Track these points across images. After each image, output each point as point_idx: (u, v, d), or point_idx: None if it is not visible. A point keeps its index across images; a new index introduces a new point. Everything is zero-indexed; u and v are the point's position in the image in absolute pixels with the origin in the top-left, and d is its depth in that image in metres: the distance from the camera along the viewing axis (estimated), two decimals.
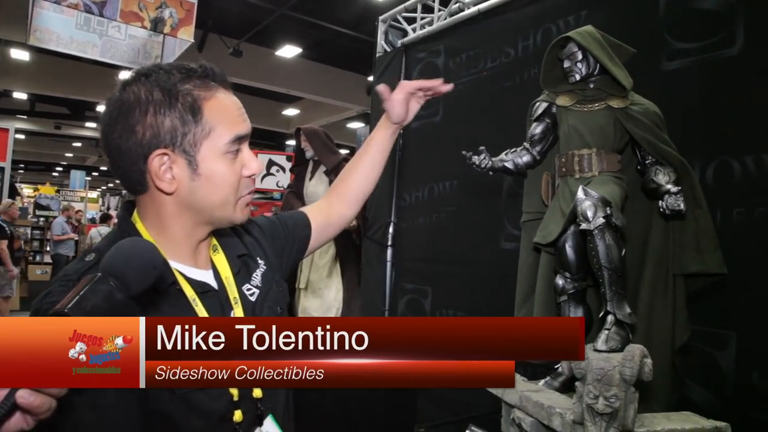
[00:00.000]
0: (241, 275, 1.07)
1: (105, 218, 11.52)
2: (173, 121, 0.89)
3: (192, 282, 0.97)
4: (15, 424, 0.62)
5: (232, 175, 0.94)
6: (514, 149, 2.00)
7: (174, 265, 0.95)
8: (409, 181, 3.77)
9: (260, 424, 0.98)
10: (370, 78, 12.35)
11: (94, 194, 23.60)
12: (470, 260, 3.22)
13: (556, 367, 1.86)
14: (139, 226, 0.97)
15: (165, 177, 0.91)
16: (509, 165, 1.98)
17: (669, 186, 1.65)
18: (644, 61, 2.15)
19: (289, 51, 11.24)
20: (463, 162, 2.02)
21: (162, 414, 0.87)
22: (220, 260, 1.06)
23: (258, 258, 1.13)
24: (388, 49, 4.04)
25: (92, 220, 14.11)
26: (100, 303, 0.67)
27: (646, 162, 1.75)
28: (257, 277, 1.09)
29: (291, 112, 15.28)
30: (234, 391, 0.93)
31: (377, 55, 4.13)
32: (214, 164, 0.92)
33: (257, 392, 0.97)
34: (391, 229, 3.81)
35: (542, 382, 1.81)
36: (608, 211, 1.54)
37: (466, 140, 3.18)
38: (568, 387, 1.78)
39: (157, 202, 0.95)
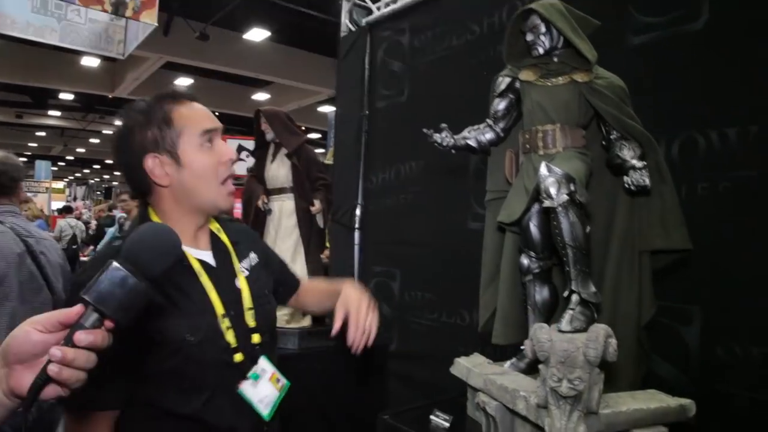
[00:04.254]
0: (238, 253, 1.35)
1: (68, 210, 11.20)
2: (153, 132, 1.20)
3: (198, 259, 1.24)
4: (51, 392, 0.72)
5: (210, 160, 1.22)
6: (476, 126, 1.94)
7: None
8: (375, 162, 3.70)
9: (255, 363, 1.25)
10: None
11: (60, 184, 23.04)
12: (438, 241, 3.17)
13: (522, 347, 1.82)
14: (154, 218, 1.24)
15: (159, 173, 1.20)
16: (472, 142, 1.92)
17: (634, 161, 1.61)
18: (610, 35, 2.11)
19: (257, 34, 10.99)
20: (429, 142, 1.96)
21: (171, 368, 1.12)
22: (224, 237, 1.34)
23: (252, 251, 1.40)
24: (353, 29, 3.94)
25: (59, 211, 13.72)
26: (114, 288, 0.75)
27: (611, 137, 1.71)
28: (247, 262, 1.36)
29: (261, 96, 15.02)
30: (231, 339, 1.20)
31: (342, 35, 4.02)
32: (193, 155, 1.21)
33: (256, 338, 1.26)
34: (358, 212, 3.73)
35: (508, 363, 1.78)
36: (572, 188, 1.49)
37: (432, 120, 3.10)
38: (534, 368, 1.75)
39: (160, 197, 1.24)
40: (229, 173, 1.26)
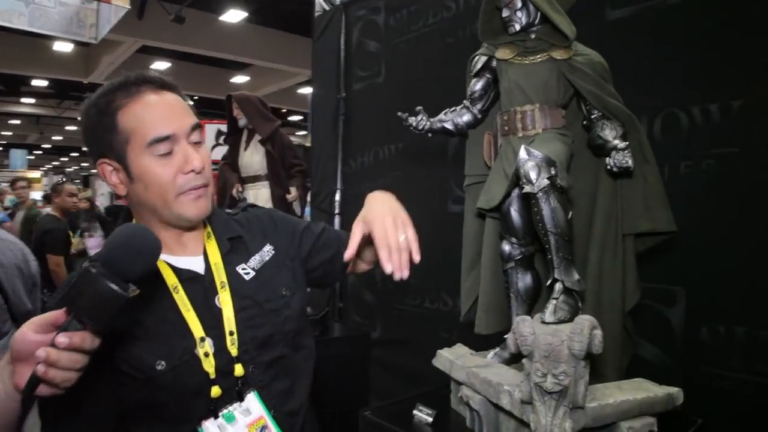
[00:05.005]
0: (236, 255, 1.15)
1: (48, 199, 10.93)
2: (101, 134, 1.01)
3: (178, 271, 1.06)
4: (44, 390, 0.76)
5: (165, 174, 1.00)
6: (453, 108, 1.86)
7: (164, 258, 1.05)
8: (353, 146, 3.61)
9: (241, 399, 1.04)
10: None
11: (37, 174, 22.62)
12: (419, 225, 3.08)
13: (505, 336, 1.77)
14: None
15: (114, 181, 1.04)
16: (449, 125, 1.84)
17: (616, 141, 1.55)
18: (586, 9, 2.03)
19: (234, 15, 10.76)
20: (404, 125, 1.89)
21: (145, 399, 0.99)
22: (212, 246, 1.14)
23: (267, 243, 1.20)
24: (327, 8, 3.82)
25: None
26: (86, 292, 0.74)
27: (592, 117, 1.64)
28: (256, 259, 1.16)
29: (239, 79, 14.78)
30: (210, 369, 1.02)
31: (316, 14, 3.90)
32: (145, 167, 1.00)
33: (238, 370, 1.05)
34: (337, 197, 3.65)
35: (491, 353, 1.73)
36: (552, 172, 1.43)
37: (409, 100, 3.01)
38: (518, 357, 1.70)
39: (132, 206, 1.10)
40: (193, 184, 1.03)
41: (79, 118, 1.07)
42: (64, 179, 6.02)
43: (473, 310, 1.88)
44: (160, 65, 14.17)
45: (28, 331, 0.76)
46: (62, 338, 0.74)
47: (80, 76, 13.86)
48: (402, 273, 1.00)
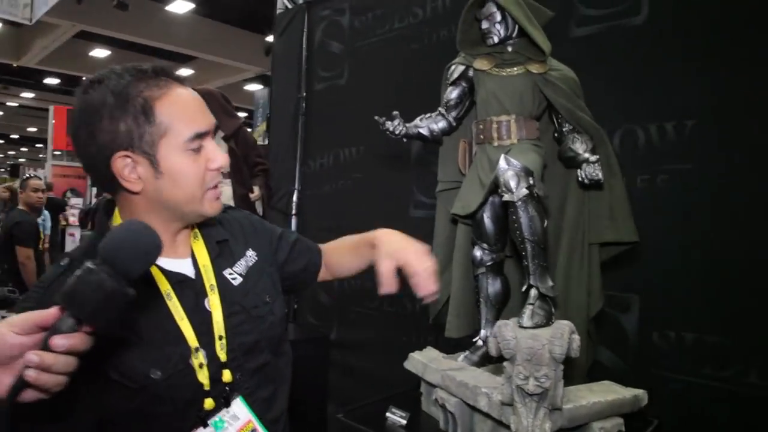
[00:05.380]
0: (223, 259, 1.13)
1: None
2: (128, 124, 0.93)
3: (168, 274, 1.02)
4: (30, 395, 0.70)
5: (196, 170, 0.98)
6: (428, 114, 1.89)
7: None
8: (313, 146, 3.59)
9: (227, 405, 1.03)
10: (269, 38, 11.82)
11: None
12: (378, 228, 3.12)
13: (474, 340, 1.82)
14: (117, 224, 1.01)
15: (130, 177, 0.96)
16: (424, 131, 1.87)
17: (587, 155, 1.62)
18: (553, 25, 2.11)
19: (180, 6, 10.48)
20: (370, 127, 1.90)
21: (137, 410, 0.94)
22: (199, 247, 1.10)
23: (249, 248, 1.19)
24: (290, 6, 3.78)
25: None
26: (89, 292, 0.70)
27: (564, 130, 1.71)
28: (242, 264, 1.15)
29: (184, 72, 14.35)
30: (205, 381, 0.99)
31: (278, 11, 3.86)
32: (176, 162, 0.96)
33: (227, 376, 1.03)
34: (295, 198, 3.62)
35: (461, 357, 1.77)
36: (531, 182, 1.48)
37: (372, 104, 3.03)
38: (487, 360, 1.75)
39: (130, 201, 1.01)
40: (216, 180, 1.03)
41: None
42: (31, 174, 5.74)
43: (442, 313, 1.92)
44: (100, 53, 13.61)
45: (7, 333, 0.70)
46: (61, 340, 0.69)
47: (10, 58, 13.14)
48: (433, 297, 1.13)
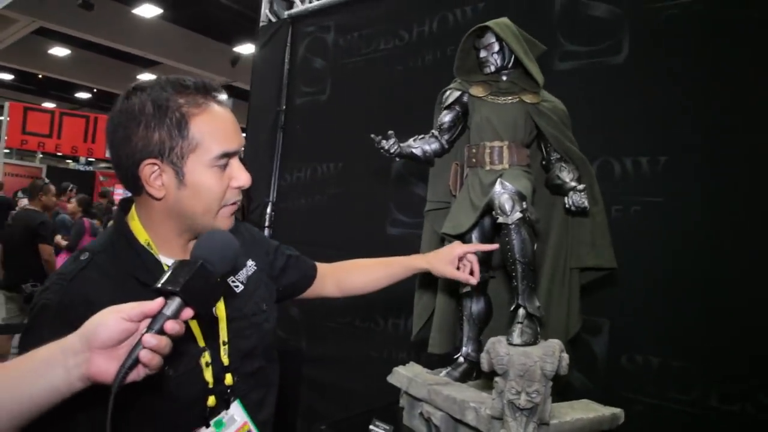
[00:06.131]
0: None
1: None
2: (161, 135, 0.98)
3: None
4: (134, 375, 0.79)
5: (218, 186, 1.03)
6: (422, 136, 1.95)
7: (164, 260, 1.05)
8: (291, 160, 3.61)
9: (227, 407, 1.09)
10: (236, 49, 11.74)
11: None
12: (353, 245, 3.14)
13: (455, 357, 1.86)
14: (134, 223, 1.07)
15: (155, 184, 1.01)
16: (417, 152, 1.92)
17: (574, 183, 1.70)
18: (538, 58, 2.22)
19: (147, 10, 10.34)
20: (350, 143, 1.96)
21: (147, 406, 0.98)
22: None
23: (249, 259, 1.25)
24: (273, 19, 3.82)
25: None
26: (200, 284, 0.84)
27: (552, 158, 1.80)
28: (243, 273, 1.22)
29: (146, 76, 14.03)
30: (210, 378, 1.06)
31: (261, 24, 3.88)
32: (201, 176, 1.01)
33: (228, 379, 1.10)
34: (269, 210, 3.62)
35: (443, 372, 1.81)
36: (524, 206, 1.55)
37: (354, 121, 3.10)
38: (468, 376, 1.80)
39: (149, 205, 1.05)
40: (235, 199, 1.08)
41: (116, 109, 1.02)
42: (47, 180, 6.43)
43: (425, 330, 1.96)
44: (59, 51, 13.25)
45: (118, 318, 0.78)
46: (175, 325, 0.80)
47: None
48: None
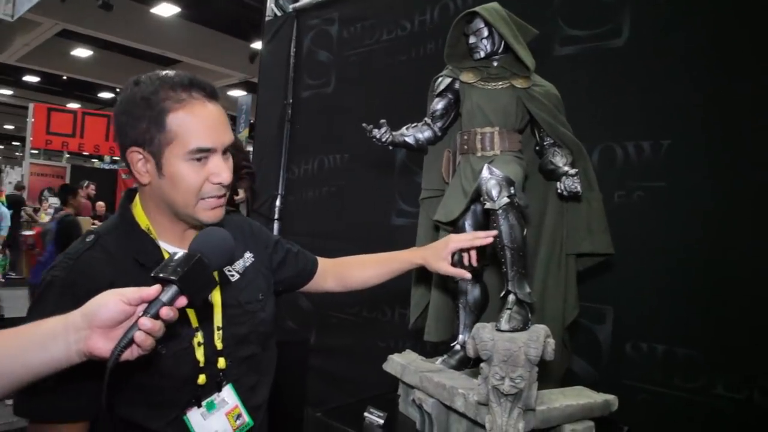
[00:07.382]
0: None
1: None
2: (144, 125, 1.05)
3: None
4: (127, 354, 0.84)
5: (195, 180, 1.08)
6: (414, 124, 1.94)
7: (164, 245, 1.14)
8: (298, 152, 3.63)
9: (219, 390, 1.15)
10: (253, 45, 11.79)
11: None
12: (360, 235, 3.16)
13: (452, 345, 1.86)
14: (137, 210, 1.16)
15: (141, 170, 1.09)
16: (410, 140, 1.91)
17: (566, 168, 1.68)
18: (538, 44, 2.19)
19: (165, 9, 10.44)
20: (355, 135, 1.95)
21: (140, 381, 1.05)
22: None
23: (247, 251, 1.32)
24: (278, 13, 3.83)
25: None
26: (196, 275, 0.90)
27: (545, 143, 1.77)
28: (239, 263, 1.28)
29: None
30: (201, 358, 1.12)
31: (266, 18, 3.90)
32: (177, 168, 1.07)
33: (221, 363, 1.15)
34: (278, 202, 3.65)
35: (439, 360, 1.80)
36: (512, 191, 1.53)
37: (358, 113, 3.09)
38: (464, 364, 1.79)
39: (145, 193, 1.15)
40: (215, 194, 1.11)
41: (118, 99, 1.10)
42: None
43: (421, 319, 1.96)
44: (81, 52, 13.48)
45: (118, 301, 0.83)
46: (169, 311, 0.86)
47: None
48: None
